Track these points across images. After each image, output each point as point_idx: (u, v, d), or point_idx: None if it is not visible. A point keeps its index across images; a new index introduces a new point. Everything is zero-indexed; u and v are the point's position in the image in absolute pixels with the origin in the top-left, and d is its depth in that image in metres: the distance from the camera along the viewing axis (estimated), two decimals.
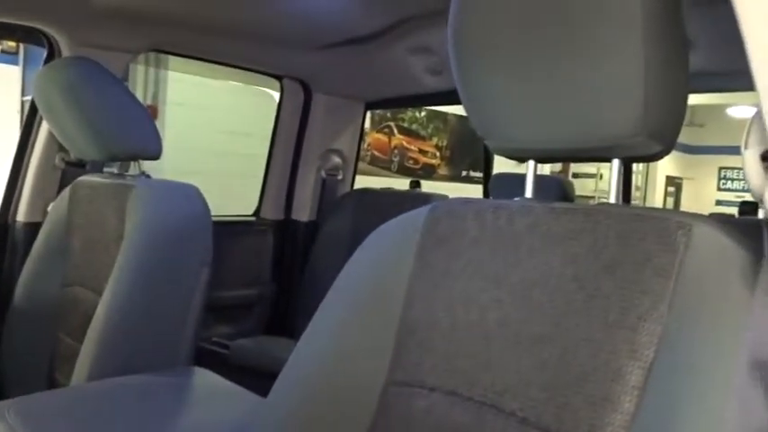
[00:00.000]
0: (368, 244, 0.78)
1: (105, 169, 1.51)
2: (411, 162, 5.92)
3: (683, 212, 0.58)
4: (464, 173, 6.37)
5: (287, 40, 1.78)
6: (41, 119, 1.58)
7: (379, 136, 5.64)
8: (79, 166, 1.61)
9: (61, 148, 1.58)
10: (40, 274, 1.41)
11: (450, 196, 0.88)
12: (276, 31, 1.68)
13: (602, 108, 0.60)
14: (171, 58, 1.97)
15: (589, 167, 7.42)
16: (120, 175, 1.40)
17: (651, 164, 8.77)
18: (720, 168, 9.30)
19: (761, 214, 1.84)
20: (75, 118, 1.31)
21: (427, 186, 2.45)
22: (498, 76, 0.66)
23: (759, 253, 0.49)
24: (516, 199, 0.71)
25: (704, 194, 9.30)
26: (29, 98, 1.77)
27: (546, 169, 5.54)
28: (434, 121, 6.07)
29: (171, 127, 4.14)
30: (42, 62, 1.59)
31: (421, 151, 6.02)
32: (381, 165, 5.63)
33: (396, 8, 1.50)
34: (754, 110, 0.46)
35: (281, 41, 1.78)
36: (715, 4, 0.45)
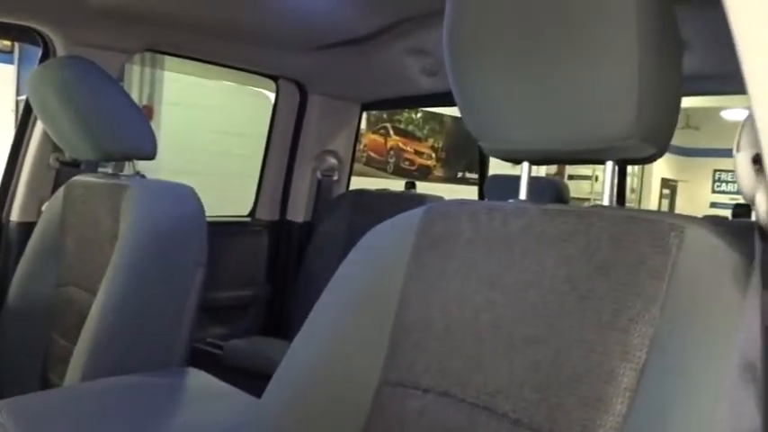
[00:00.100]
0: (363, 245, 0.78)
1: (100, 169, 1.51)
2: (407, 163, 5.92)
3: (676, 215, 0.58)
4: (460, 174, 6.38)
5: (283, 41, 1.78)
6: (36, 118, 1.57)
7: (375, 137, 5.64)
8: (74, 166, 1.61)
9: (56, 148, 1.57)
10: (34, 274, 1.40)
11: (446, 197, 0.89)
12: (272, 31, 1.68)
13: (595, 110, 0.60)
14: (167, 58, 1.97)
15: (585, 169, 7.44)
16: (114, 175, 1.40)
17: (646, 166, 8.81)
18: (715, 171, 9.33)
19: (754, 216, 1.84)
20: (69, 117, 1.31)
21: (423, 188, 2.46)
22: (493, 78, 0.66)
23: (751, 255, 0.49)
24: (510, 201, 0.71)
25: (699, 196, 9.33)
26: (24, 97, 1.76)
27: (542, 171, 5.55)
28: (430, 123, 6.08)
29: (167, 127, 4.14)
30: (37, 61, 1.58)
31: (417, 152, 6.03)
32: (377, 166, 5.63)
33: (392, 9, 1.50)
34: (747, 113, 0.46)
35: (276, 42, 1.78)
36: (709, 7, 0.46)
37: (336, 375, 0.72)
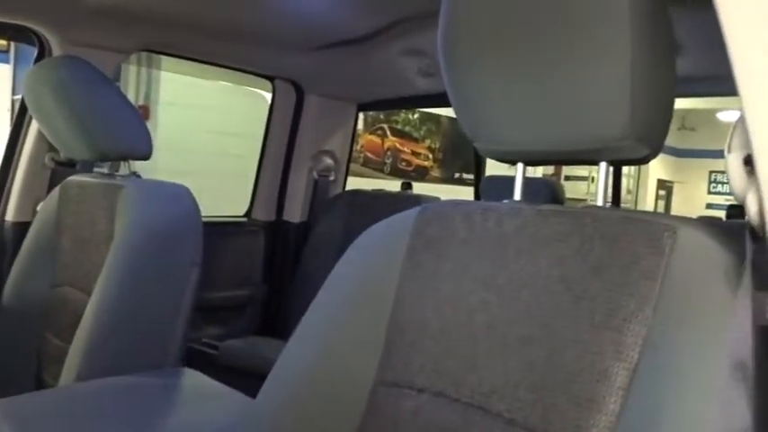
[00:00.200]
0: (358, 245, 0.78)
1: (96, 169, 1.51)
2: (404, 164, 5.93)
3: (669, 215, 0.59)
4: (457, 175, 6.39)
5: (279, 41, 1.78)
6: (31, 118, 1.57)
7: (372, 138, 5.65)
8: (69, 166, 1.61)
9: (51, 148, 1.57)
10: (29, 274, 1.40)
11: (443, 198, 0.89)
12: (269, 31, 1.68)
13: (589, 111, 0.61)
14: (163, 58, 1.97)
15: (581, 170, 7.45)
16: (110, 175, 1.40)
17: (642, 167, 8.83)
18: (711, 172, 9.35)
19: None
20: (64, 117, 1.31)
21: (420, 188, 2.46)
22: (487, 79, 0.66)
23: (743, 255, 0.49)
24: (505, 201, 0.71)
25: (695, 197, 9.35)
26: (19, 97, 1.76)
27: (539, 172, 5.56)
28: (427, 124, 6.08)
29: (163, 127, 4.13)
30: (32, 61, 1.58)
31: (414, 153, 6.03)
32: (374, 166, 5.63)
33: (388, 10, 1.50)
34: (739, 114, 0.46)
35: (273, 42, 1.78)
36: (704, 9, 0.46)
37: (331, 375, 0.73)
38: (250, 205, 2.23)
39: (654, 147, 0.62)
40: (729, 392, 0.45)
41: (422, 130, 6.08)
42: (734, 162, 0.46)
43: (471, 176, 4.87)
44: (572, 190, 6.43)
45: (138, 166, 1.41)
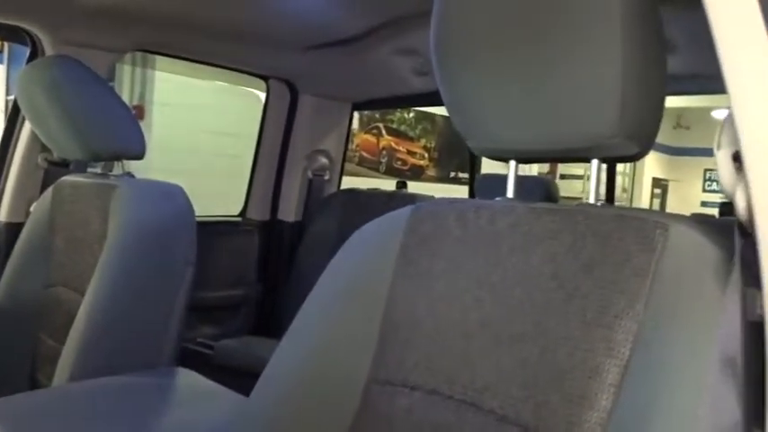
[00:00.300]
0: (351, 243, 0.78)
1: (89, 169, 1.50)
2: (399, 163, 5.93)
3: (661, 212, 0.59)
4: (452, 174, 6.40)
5: (273, 41, 1.77)
6: (24, 118, 1.57)
7: (368, 137, 5.65)
8: (63, 166, 1.60)
9: (44, 148, 1.56)
10: (23, 275, 1.40)
11: (438, 197, 0.89)
12: (263, 31, 1.68)
13: (580, 109, 0.61)
14: (158, 57, 1.96)
15: (576, 169, 7.46)
16: (103, 175, 1.39)
17: (638, 166, 8.86)
18: (706, 170, 9.39)
19: None
20: (57, 117, 1.30)
21: (415, 188, 2.46)
22: (479, 77, 0.66)
23: (733, 252, 0.49)
24: (498, 199, 0.71)
25: (690, 196, 9.39)
26: (13, 97, 1.75)
27: (534, 171, 5.57)
28: (423, 123, 6.08)
29: (158, 127, 4.12)
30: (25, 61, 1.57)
31: (409, 152, 6.04)
32: (370, 166, 5.63)
33: (382, 9, 1.51)
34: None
35: (267, 42, 1.78)
36: (695, 8, 0.46)
37: (325, 373, 0.73)
38: (244, 205, 2.23)
39: (644, 144, 0.62)
40: (720, 388, 0.45)
41: (417, 129, 6.08)
42: (723, 158, 0.46)
43: (467, 175, 4.88)
44: (567, 189, 6.45)
45: (132, 166, 1.41)
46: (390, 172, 5.75)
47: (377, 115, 5.64)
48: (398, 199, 2.07)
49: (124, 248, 1.17)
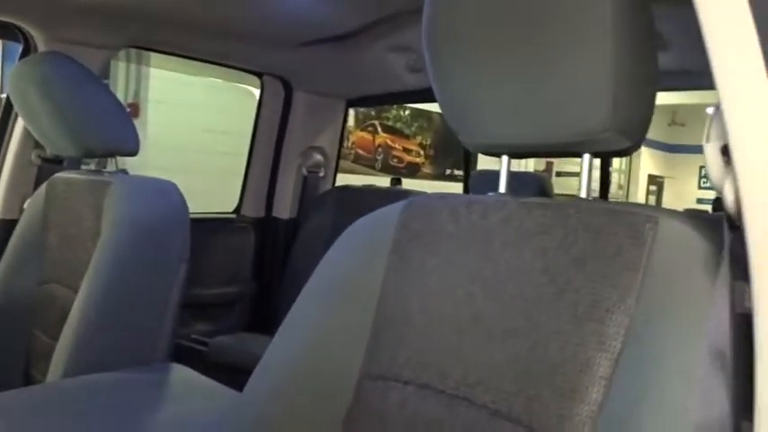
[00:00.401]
0: (344, 239, 0.78)
1: (83, 166, 1.50)
2: (395, 161, 5.93)
3: (652, 207, 0.59)
4: (448, 171, 6.40)
5: (266, 38, 1.77)
6: (17, 115, 1.56)
7: (364, 134, 5.65)
8: (56, 163, 1.60)
9: (37, 145, 1.56)
10: (16, 272, 1.39)
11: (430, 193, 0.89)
12: (256, 28, 1.68)
13: (571, 104, 0.61)
14: (153, 55, 1.95)
15: (573, 166, 7.48)
16: (97, 172, 1.39)
17: (634, 163, 8.88)
18: (701, 167, 9.40)
19: None
20: (49, 114, 1.30)
21: (411, 185, 2.46)
22: (470, 73, 0.66)
23: (722, 245, 0.50)
24: (490, 194, 0.71)
25: (686, 193, 9.41)
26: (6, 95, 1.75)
27: (530, 168, 5.57)
28: (419, 120, 6.09)
29: (153, 125, 4.12)
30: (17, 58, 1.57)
31: (405, 150, 6.04)
32: (366, 163, 5.63)
33: (375, 6, 1.50)
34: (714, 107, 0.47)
35: (261, 38, 1.78)
36: (686, 5, 0.46)
37: (317, 368, 0.73)
38: (239, 202, 2.22)
39: (635, 139, 0.63)
40: (709, 381, 0.45)
41: (413, 126, 6.09)
42: (712, 152, 0.46)
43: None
44: (564, 186, 6.45)
45: (128, 164, 1.40)
46: (386, 169, 5.75)
47: (372, 113, 5.64)
48: (393, 195, 2.07)
49: (118, 245, 1.17)
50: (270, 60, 1.99)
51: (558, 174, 7.46)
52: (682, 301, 0.51)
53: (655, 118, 0.65)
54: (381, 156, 5.80)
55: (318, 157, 2.21)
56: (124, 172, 1.38)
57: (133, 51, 1.88)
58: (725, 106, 0.43)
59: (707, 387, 0.45)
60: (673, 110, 8.73)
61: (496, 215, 0.66)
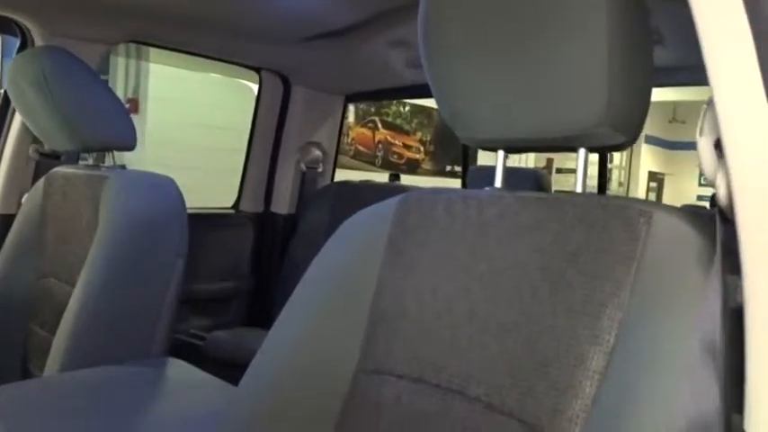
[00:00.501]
0: (340, 234, 0.79)
1: (81, 161, 1.50)
2: (395, 157, 5.93)
3: (646, 201, 0.59)
4: (448, 168, 6.40)
5: (265, 33, 1.77)
6: (14, 110, 1.56)
7: (363, 130, 5.64)
8: (54, 158, 1.60)
9: (35, 140, 1.56)
10: (14, 266, 1.40)
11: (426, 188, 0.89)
12: (254, 23, 1.67)
13: (566, 98, 0.61)
14: (152, 50, 1.95)
15: (574, 162, 7.47)
16: (94, 167, 1.39)
17: (634, 160, 8.86)
18: None
19: None
20: (47, 108, 1.30)
21: (411, 181, 2.45)
22: (466, 67, 0.66)
23: (715, 239, 0.50)
24: (486, 189, 0.71)
25: (686, 189, 9.40)
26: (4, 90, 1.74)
27: (530, 165, 5.57)
28: (418, 116, 6.08)
29: (153, 121, 4.11)
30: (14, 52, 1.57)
31: (405, 146, 6.04)
32: (365, 159, 5.63)
33: (374, 1, 1.50)
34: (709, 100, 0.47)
35: (259, 34, 1.77)
36: (681, 1, 0.46)
37: (313, 362, 0.73)
38: (238, 197, 2.22)
39: (630, 134, 0.63)
40: (701, 374, 0.45)
41: (413, 122, 6.08)
42: (705, 145, 0.46)
43: None
44: (563, 183, 6.44)
45: (125, 159, 1.40)
46: (386, 165, 5.74)
47: (372, 109, 5.63)
48: (391, 190, 2.06)
49: (114, 240, 1.17)
50: (268, 56, 1.99)
51: (559, 170, 7.45)
52: (675, 295, 0.51)
53: (655, 115, 0.65)
54: (381, 152, 5.79)
55: (317, 152, 2.21)
56: (122, 167, 1.38)
57: (133, 47, 1.87)
58: (717, 100, 0.43)
59: (699, 380, 0.46)
60: (673, 107, 8.71)
61: (492, 210, 0.66)
